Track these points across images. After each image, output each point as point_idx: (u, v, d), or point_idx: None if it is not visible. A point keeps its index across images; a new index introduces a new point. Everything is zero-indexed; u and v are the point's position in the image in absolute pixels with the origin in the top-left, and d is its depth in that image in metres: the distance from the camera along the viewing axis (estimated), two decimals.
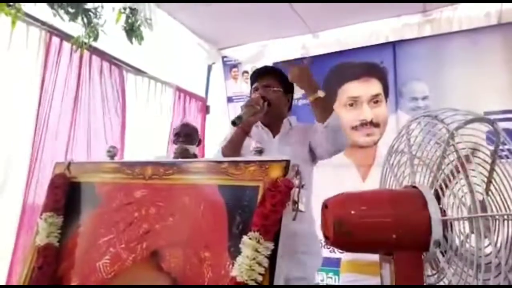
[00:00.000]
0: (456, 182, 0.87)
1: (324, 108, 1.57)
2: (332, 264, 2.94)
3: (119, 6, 2.71)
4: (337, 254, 2.77)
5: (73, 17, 2.47)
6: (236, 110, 3.91)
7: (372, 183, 3.00)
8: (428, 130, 0.95)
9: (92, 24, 2.52)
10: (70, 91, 2.69)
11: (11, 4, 2.11)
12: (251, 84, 1.79)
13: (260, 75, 1.77)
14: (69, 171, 1.50)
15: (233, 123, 1.50)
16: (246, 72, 3.92)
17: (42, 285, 1.33)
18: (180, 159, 2.25)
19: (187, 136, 2.58)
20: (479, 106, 2.60)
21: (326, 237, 0.89)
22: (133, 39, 2.80)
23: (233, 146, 1.54)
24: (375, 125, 3.11)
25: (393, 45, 3.12)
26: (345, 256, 2.61)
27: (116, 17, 2.69)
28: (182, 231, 1.18)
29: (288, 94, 1.79)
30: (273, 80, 1.73)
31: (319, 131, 1.57)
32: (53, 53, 2.58)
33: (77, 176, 1.49)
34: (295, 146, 1.66)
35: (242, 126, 1.53)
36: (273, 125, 1.75)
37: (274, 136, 1.72)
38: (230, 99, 4.02)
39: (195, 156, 2.62)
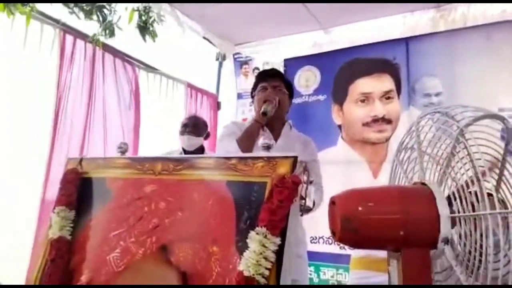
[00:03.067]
0: (466, 181, 0.86)
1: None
2: (342, 261, 2.94)
3: (132, 5, 2.74)
4: (348, 250, 2.76)
5: (88, 14, 2.50)
6: (244, 106, 3.92)
7: (383, 180, 2.98)
8: (438, 126, 0.94)
9: (107, 21, 2.55)
10: (85, 89, 2.74)
11: (26, 3, 2.15)
12: (257, 83, 1.82)
13: (270, 76, 1.82)
14: (81, 166, 1.52)
15: (264, 113, 1.61)
16: (257, 68, 3.93)
17: (42, 285, 1.36)
18: (189, 155, 2.27)
19: (194, 127, 2.57)
20: (494, 102, 2.56)
21: (333, 233, 0.89)
22: (147, 36, 2.83)
23: (250, 138, 1.60)
24: (387, 121, 3.09)
25: (406, 41, 3.08)
26: (355, 253, 2.60)
27: (129, 15, 2.72)
28: (191, 226, 1.19)
29: (290, 98, 1.86)
30: (281, 82, 1.79)
31: (314, 171, 1.72)
32: (68, 51, 2.62)
33: (88, 171, 1.51)
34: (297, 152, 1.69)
35: (257, 119, 1.62)
36: (275, 128, 1.78)
37: (275, 139, 1.74)
38: (239, 96, 4.03)
39: (202, 148, 2.61)
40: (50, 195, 2.40)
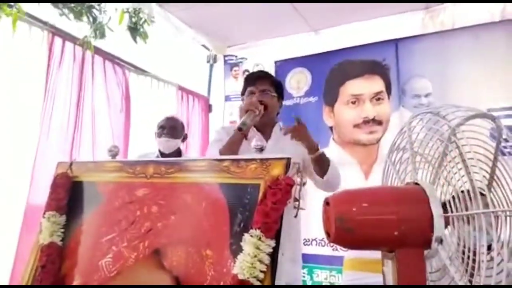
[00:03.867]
0: (458, 180, 0.86)
1: (323, 164, 1.66)
2: (335, 262, 2.94)
3: (121, 6, 2.72)
4: (340, 252, 2.77)
5: (78, 16, 2.48)
6: (233, 108, 3.91)
7: (374, 181, 3.00)
8: (430, 126, 0.95)
9: (97, 22, 2.52)
10: (74, 91, 2.70)
11: (12, 4, 2.12)
12: (245, 87, 1.81)
13: (257, 79, 1.79)
14: (71, 170, 1.50)
15: (240, 129, 1.55)
16: (247, 71, 3.92)
17: (41, 285, 1.34)
18: (180, 158, 2.25)
19: (172, 129, 2.50)
20: (483, 102, 2.59)
21: (327, 234, 0.89)
22: (137, 38, 2.81)
23: (231, 148, 1.59)
24: (378, 122, 3.11)
25: (396, 42, 3.11)
26: (348, 254, 2.60)
27: (119, 17, 2.70)
28: (184, 230, 1.18)
29: (280, 100, 1.84)
30: (269, 85, 1.77)
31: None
32: (56, 54, 2.59)
33: (79, 175, 1.49)
34: (287, 154, 1.67)
35: (243, 132, 1.58)
36: (265, 130, 1.78)
37: (266, 141, 1.72)
38: (227, 98, 4.02)
39: (179, 151, 2.56)
40: (35, 199, 2.37)
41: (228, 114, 3.99)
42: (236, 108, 3.91)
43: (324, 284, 3.05)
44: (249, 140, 1.63)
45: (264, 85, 1.75)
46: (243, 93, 1.83)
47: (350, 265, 2.60)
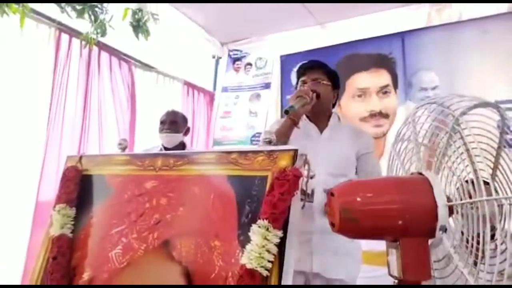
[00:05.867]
0: (462, 169, 0.87)
1: None
2: None
3: (126, 5, 2.74)
4: None
5: (80, 14, 2.50)
6: (229, 100, 3.93)
7: (382, 174, 3.00)
8: (435, 117, 0.95)
9: (99, 20, 2.54)
10: (81, 87, 2.74)
11: (19, 3, 2.15)
12: (298, 78, 1.73)
13: (309, 68, 1.71)
14: (81, 164, 1.53)
15: (286, 112, 1.48)
16: (249, 64, 3.93)
17: (42, 285, 1.37)
18: (188, 151, 2.26)
19: (172, 124, 2.47)
20: (490, 95, 2.57)
21: (332, 224, 0.90)
22: (140, 35, 2.82)
23: (282, 136, 1.49)
24: (384, 116, 3.10)
25: (402, 36, 3.10)
26: None
27: (123, 13, 2.72)
28: (193, 221, 1.20)
29: (335, 89, 1.74)
30: (321, 74, 1.68)
31: (369, 162, 1.67)
32: (63, 50, 2.62)
33: (89, 168, 1.52)
34: (344, 146, 1.64)
35: (291, 116, 1.50)
36: (320, 120, 1.70)
37: (321, 132, 1.68)
38: (224, 89, 4.03)
39: (183, 145, 2.55)
40: (45, 194, 2.40)
41: (223, 104, 3.99)
42: (232, 99, 3.92)
43: None
44: (302, 130, 1.59)
45: (316, 74, 1.67)
46: (296, 85, 1.75)
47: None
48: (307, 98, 1.53)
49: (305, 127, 1.65)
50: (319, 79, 1.66)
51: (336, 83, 1.74)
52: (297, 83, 1.74)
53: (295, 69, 1.79)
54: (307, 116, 1.69)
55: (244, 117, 3.84)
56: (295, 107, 1.48)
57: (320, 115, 1.70)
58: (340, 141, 1.64)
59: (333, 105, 1.77)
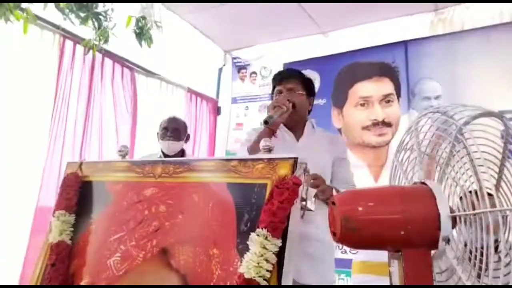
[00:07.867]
0: (466, 180, 0.85)
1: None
2: (344, 265, 2.93)
3: (129, 10, 2.75)
4: (349, 255, 2.76)
5: (84, 21, 2.51)
6: (239, 110, 3.93)
7: (384, 183, 2.98)
8: (438, 126, 0.94)
9: (102, 28, 2.55)
10: (83, 94, 2.74)
11: (23, 8, 2.16)
12: (274, 87, 1.79)
13: (284, 78, 1.77)
14: (81, 170, 1.52)
15: (266, 122, 1.52)
16: (254, 73, 3.94)
17: (42, 285, 1.36)
18: (188, 158, 2.26)
19: (175, 131, 2.47)
20: (493, 105, 2.55)
21: (333, 233, 0.89)
22: (143, 42, 2.83)
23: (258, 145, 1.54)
24: (387, 124, 3.09)
25: (405, 44, 3.10)
26: (356, 257, 2.59)
27: (126, 21, 2.73)
28: (191, 229, 1.19)
29: (310, 97, 1.80)
30: (296, 84, 1.74)
31: (343, 167, 1.70)
32: (67, 56, 2.63)
33: (89, 175, 1.51)
34: (321, 153, 1.68)
35: (269, 126, 1.54)
36: (296, 128, 1.75)
37: (297, 140, 1.73)
38: (234, 100, 4.04)
39: (182, 152, 2.55)
40: (45, 200, 2.40)
41: (234, 116, 4.00)
42: (243, 110, 3.93)
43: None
44: (280, 138, 1.62)
45: (291, 84, 1.73)
46: (272, 93, 1.81)
47: (358, 268, 2.59)
48: (284, 108, 1.58)
49: (282, 135, 1.70)
50: (294, 89, 1.72)
51: (311, 90, 1.80)
52: (272, 91, 1.80)
53: (272, 77, 1.85)
54: (284, 125, 1.72)
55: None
56: (274, 117, 1.53)
57: (296, 124, 1.74)
58: (316, 148, 1.68)
59: (309, 112, 1.82)
